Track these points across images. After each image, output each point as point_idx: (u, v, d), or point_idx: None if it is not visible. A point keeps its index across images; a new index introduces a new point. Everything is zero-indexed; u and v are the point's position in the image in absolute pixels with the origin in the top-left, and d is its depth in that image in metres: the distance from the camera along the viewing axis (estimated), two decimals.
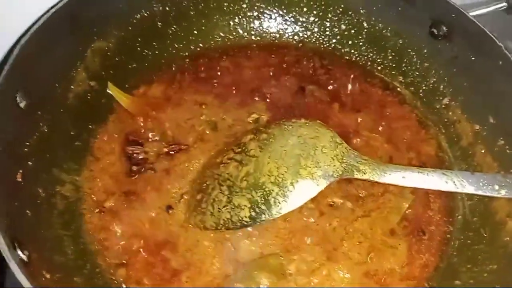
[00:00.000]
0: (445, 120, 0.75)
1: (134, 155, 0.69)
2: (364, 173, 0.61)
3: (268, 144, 0.62)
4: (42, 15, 0.63)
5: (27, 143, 0.61)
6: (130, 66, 0.77)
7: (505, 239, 0.61)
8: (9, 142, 0.57)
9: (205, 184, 0.64)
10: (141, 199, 0.65)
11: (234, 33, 0.84)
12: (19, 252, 0.50)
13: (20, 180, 0.58)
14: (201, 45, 0.82)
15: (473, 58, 0.70)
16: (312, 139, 0.61)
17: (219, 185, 0.62)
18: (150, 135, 0.70)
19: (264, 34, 0.85)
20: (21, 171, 0.58)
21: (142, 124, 0.72)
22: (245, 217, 0.59)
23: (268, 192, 0.59)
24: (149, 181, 0.67)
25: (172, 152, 0.69)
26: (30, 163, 0.60)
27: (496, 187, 0.60)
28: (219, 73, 0.79)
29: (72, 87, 0.69)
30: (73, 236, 0.61)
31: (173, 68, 0.79)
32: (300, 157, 0.60)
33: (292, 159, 0.60)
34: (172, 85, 0.77)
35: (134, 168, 0.68)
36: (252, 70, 0.79)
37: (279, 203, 0.58)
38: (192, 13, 0.80)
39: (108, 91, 0.73)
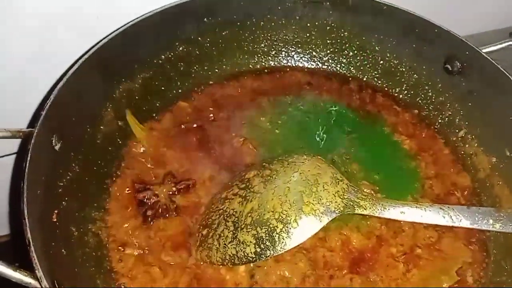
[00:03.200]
0: (462, 152, 0.77)
1: (146, 200, 0.69)
2: (365, 209, 0.62)
3: (271, 181, 0.64)
4: (75, 62, 0.66)
5: (61, 184, 0.64)
6: (155, 104, 0.80)
7: None
8: (45, 184, 0.60)
9: (210, 219, 0.65)
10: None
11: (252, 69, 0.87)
12: None
13: (55, 220, 0.61)
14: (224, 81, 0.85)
15: (487, 93, 0.73)
16: (313, 176, 0.63)
17: (224, 220, 0.63)
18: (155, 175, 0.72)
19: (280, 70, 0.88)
20: (56, 211, 0.61)
21: (149, 165, 0.73)
22: (251, 253, 0.60)
23: (272, 228, 0.60)
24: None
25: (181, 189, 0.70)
26: (64, 203, 0.63)
27: (491, 221, 0.62)
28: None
29: (101, 127, 0.72)
30: (104, 275, 0.63)
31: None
32: (303, 193, 0.61)
33: (295, 196, 0.61)
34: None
35: (149, 213, 0.68)
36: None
37: (283, 239, 0.60)
38: (214, 53, 0.84)
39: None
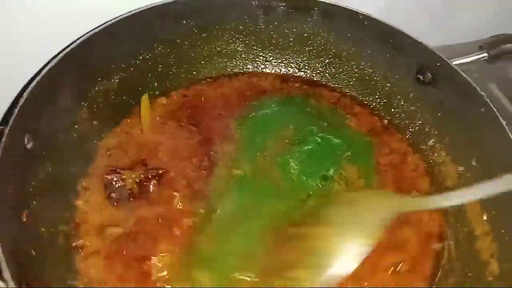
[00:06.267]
0: (431, 161, 0.79)
1: (113, 183, 0.70)
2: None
3: None
4: (50, 61, 0.66)
5: (33, 183, 0.63)
6: (131, 104, 0.80)
7: (488, 279, 0.63)
8: (16, 184, 0.59)
9: None
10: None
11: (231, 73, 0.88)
12: None
13: (25, 220, 0.60)
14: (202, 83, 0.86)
15: (457, 104, 0.75)
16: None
17: None
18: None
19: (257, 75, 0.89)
20: (26, 211, 0.60)
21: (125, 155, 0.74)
22: None
23: None
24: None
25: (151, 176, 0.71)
26: (35, 202, 0.62)
27: None
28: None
29: (76, 126, 0.71)
30: (74, 276, 0.62)
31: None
32: None
33: None
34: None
35: (113, 195, 0.69)
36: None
37: None
38: (192, 55, 0.84)
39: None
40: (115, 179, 0.70)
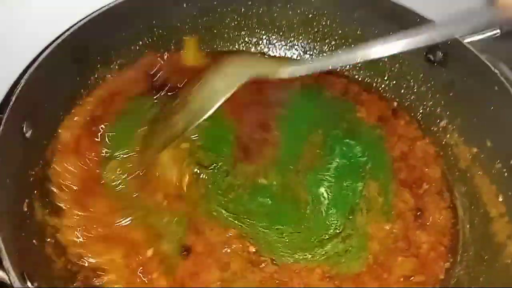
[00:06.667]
0: (443, 143, 0.77)
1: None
2: None
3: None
4: (47, 46, 0.64)
5: (33, 172, 0.62)
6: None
7: (506, 261, 0.62)
8: (15, 173, 0.58)
9: None
10: None
11: None
12: (28, 284, 0.50)
13: (26, 210, 0.58)
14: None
15: (469, 84, 0.72)
16: None
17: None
18: None
19: None
20: (27, 200, 0.59)
21: None
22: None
23: None
24: None
25: None
26: (36, 192, 0.61)
27: None
28: None
29: (75, 113, 0.70)
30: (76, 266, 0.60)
31: None
32: None
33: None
34: None
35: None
36: None
37: None
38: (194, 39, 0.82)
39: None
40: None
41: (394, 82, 0.82)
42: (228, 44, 0.85)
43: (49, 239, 0.60)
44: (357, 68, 0.85)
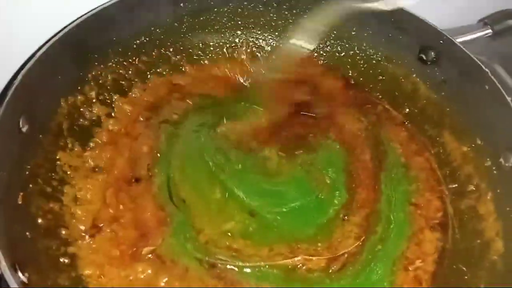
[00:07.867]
0: (435, 141, 0.77)
1: None
2: None
3: None
4: (45, 43, 0.65)
5: (28, 166, 0.63)
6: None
7: (493, 258, 0.62)
8: (11, 166, 0.59)
9: None
10: None
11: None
12: (20, 274, 0.51)
13: (20, 203, 0.59)
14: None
15: (460, 83, 0.73)
16: None
17: None
18: None
19: None
20: (22, 193, 0.60)
21: None
22: None
23: None
24: None
25: None
26: (31, 185, 0.62)
27: None
28: None
29: (72, 110, 0.71)
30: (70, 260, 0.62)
31: None
32: None
33: None
34: None
35: None
36: None
37: None
38: (191, 38, 0.83)
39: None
40: None
41: (387, 82, 0.83)
42: (224, 42, 0.86)
43: (42, 232, 0.61)
44: (348, 67, 0.86)
